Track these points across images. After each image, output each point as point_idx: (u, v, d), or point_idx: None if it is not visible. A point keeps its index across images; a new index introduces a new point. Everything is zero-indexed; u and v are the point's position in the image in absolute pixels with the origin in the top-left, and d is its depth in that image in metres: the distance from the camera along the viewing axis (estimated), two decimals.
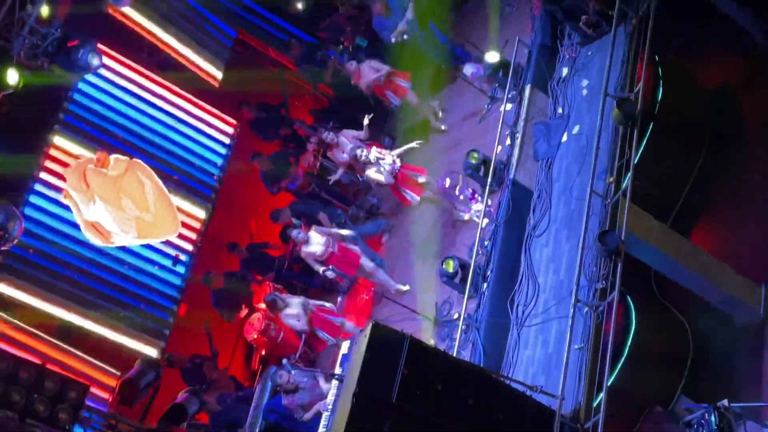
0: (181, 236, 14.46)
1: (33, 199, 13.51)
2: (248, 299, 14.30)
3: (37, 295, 13.14)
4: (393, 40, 14.51)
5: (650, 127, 11.21)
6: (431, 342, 11.39)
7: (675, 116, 11.61)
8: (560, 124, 11.75)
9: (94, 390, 11.82)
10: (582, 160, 10.99)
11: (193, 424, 12.68)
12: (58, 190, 13.44)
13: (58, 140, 13.84)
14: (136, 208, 13.82)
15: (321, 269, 12.82)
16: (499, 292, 11.07)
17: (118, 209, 13.63)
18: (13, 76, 11.66)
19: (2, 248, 12.21)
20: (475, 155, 12.39)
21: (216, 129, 15.44)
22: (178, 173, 14.82)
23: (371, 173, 13.26)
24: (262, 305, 13.69)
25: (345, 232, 13.40)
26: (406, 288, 12.94)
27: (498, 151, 12.24)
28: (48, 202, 13.52)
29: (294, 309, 12.64)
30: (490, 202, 11.98)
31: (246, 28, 16.58)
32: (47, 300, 13.18)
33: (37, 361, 11.00)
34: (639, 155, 10.64)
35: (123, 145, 14.34)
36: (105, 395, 12.65)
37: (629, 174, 10.25)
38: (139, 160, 14.12)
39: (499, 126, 12.35)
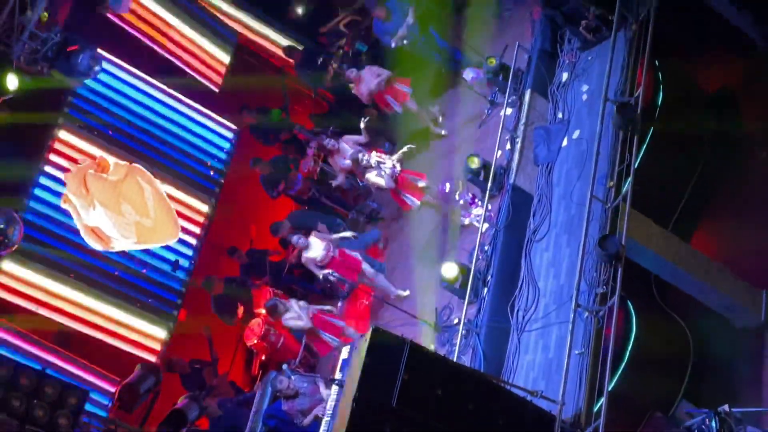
0: (184, 230, 14.47)
1: (38, 192, 13.44)
2: (248, 303, 14.30)
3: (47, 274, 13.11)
4: (393, 44, 14.52)
5: (650, 132, 11.21)
6: (431, 347, 11.38)
7: (675, 121, 11.60)
8: (560, 129, 11.75)
9: (93, 395, 11.84)
10: (582, 165, 10.98)
11: (193, 430, 12.67)
12: (63, 183, 13.45)
13: (63, 134, 13.79)
14: (135, 213, 13.83)
15: (322, 274, 12.84)
16: (500, 296, 11.06)
17: (117, 214, 13.64)
18: (12, 81, 11.68)
19: (2, 253, 12.23)
20: (475, 160, 12.39)
21: (218, 125, 15.45)
22: (182, 167, 14.83)
23: (372, 177, 13.27)
24: (262, 310, 13.70)
25: (346, 234, 13.42)
26: (406, 293, 12.95)
27: (498, 156, 12.25)
28: (53, 195, 13.47)
29: (295, 311, 12.64)
30: (490, 207, 11.98)
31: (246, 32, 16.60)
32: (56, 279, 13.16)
33: (37, 366, 11.03)
34: (639, 160, 10.63)
35: (125, 139, 14.32)
36: (104, 401, 12.65)
37: (629, 179, 10.24)
38: (139, 166, 14.14)
39: (499, 130, 12.36)
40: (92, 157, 13.80)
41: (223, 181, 15.14)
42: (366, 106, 14.62)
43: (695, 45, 12.19)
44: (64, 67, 12.27)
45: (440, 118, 14.62)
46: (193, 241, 14.57)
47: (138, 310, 13.71)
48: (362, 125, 13.54)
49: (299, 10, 16.95)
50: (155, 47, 14.96)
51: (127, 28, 14.56)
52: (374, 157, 13.26)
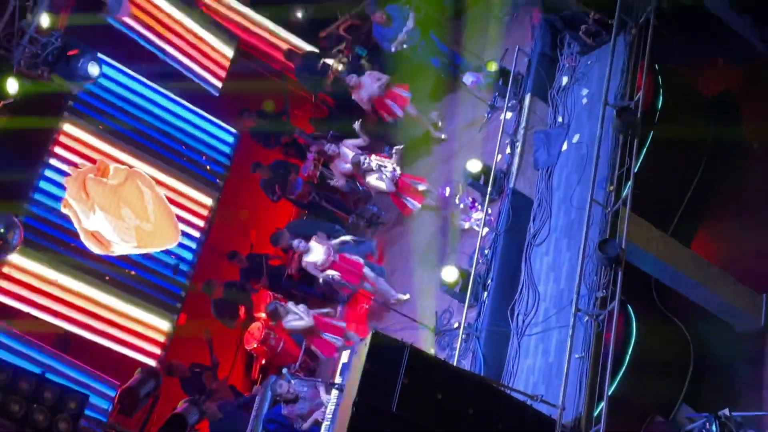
0: (189, 223, 14.51)
1: (43, 184, 13.47)
2: (248, 306, 14.30)
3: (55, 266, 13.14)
4: (393, 49, 14.53)
5: (650, 136, 11.21)
6: (431, 351, 11.37)
7: (675, 124, 11.60)
8: (560, 133, 11.75)
9: (93, 400, 11.83)
10: (582, 169, 10.98)
11: None
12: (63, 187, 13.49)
13: (68, 127, 13.80)
14: (135, 218, 13.84)
15: (322, 277, 12.84)
16: (500, 301, 11.07)
17: (117, 218, 13.65)
18: (13, 86, 11.69)
19: (2, 257, 12.24)
20: (476, 164, 12.39)
21: (218, 129, 15.48)
22: (186, 161, 14.86)
23: (372, 180, 13.27)
24: (262, 314, 13.69)
25: (345, 238, 13.43)
26: (406, 297, 12.94)
27: (498, 160, 12.26)
28: (58, 188, 13.49)
29: (296, 313, 12.64)
30: (490, 211, 11.99)
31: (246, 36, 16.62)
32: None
33: (36, 370, 11.01)
34: (639, 164, 10.63)
35: (129, 132, 14.34)
36: (104, 405, 12.64)
37: (629, 182, 10.24)
38: (139, 170, 14.14)
39: (499, 135, 12.37)
40: (96, 150, 13.83)
41: (226, 174, 15.19)
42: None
43: (695, 49, 12.19)
44: (65, 72, 12.27)
45: (440, 123, 14.62)
46: (197, 234, 14.61)
47: (142, 302, 13.74)
48: (356, 127, 13.58)
49: (299, 14, 16.97)
50: (156, 51, 14.98)
51: (127, 31, 14.57)
52: (375, 160, 13.26)
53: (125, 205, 13.82)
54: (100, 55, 12.89)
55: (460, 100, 14.64)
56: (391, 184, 13.14)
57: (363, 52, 15.95)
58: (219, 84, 15.63)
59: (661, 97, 11.85)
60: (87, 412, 10.72)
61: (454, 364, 10.29)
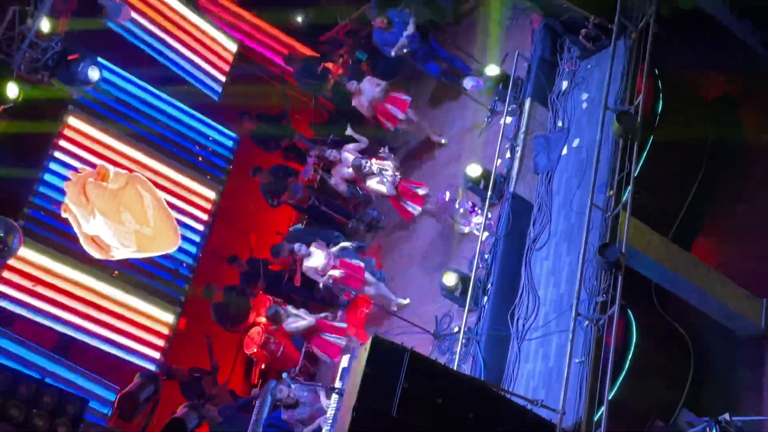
0: (192, 216, 14.50)
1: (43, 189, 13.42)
2: (249, 311, 14.29)
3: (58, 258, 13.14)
4: (393, 54, 14.54)
5: (650, 140, 11.21)
6: (431, 355, 11.36)
7: (675, 129, 11.61)
8: (560, 138, 11.75)
9: (93, 404, 11.82)
10: (582, 174, 10.97)
11: None
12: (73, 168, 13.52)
13: (73, 120, 13.80)
14: (135, 222, 13.83)
15: (322, 282, 12.84)
16: (500, 305, 11.05)
17: (117, 223, 13.65)
18: (13, 90, 11.70)
19: (2, 261, 12.22)
20: (476, 168, 12.40)
21: (218, 134, 15.47)
22: (189, 155, 14.87)
23: (373, 184, 13.25)
24: (262, 319, 13.68)
25: (345, 244, 13.42)
26: (406, 301, 12.95)
27: (498, 164, 12.26)
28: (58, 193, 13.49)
29: (297, 315, 12.64)
30: (490, 215, 11.97)
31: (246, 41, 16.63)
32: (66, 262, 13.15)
33: (36, 375, 11.01)
34: (639, 168, 10.63)
35: (133, 126, 14.34)
36: (104, 409, 12.62)
37: (629, 187, 10.22)
38: (139, 174, 14.14)
39: (499, 139, 12.36)
40: (100, 142, 13.84)
41: (230, 168, 15.21)
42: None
43: (695, 53, 12.20)
44: (65, 76, 12.28)
45: (443, 141, 14.63)
46: (201, 227, 14.60)
47: (146, 294, 13.72)
48: (349, 132, 13.62)
49: (299, 19, 16.99)
50: (156, 55, 14.99)
51: (127, 35, 14.57)
52: (375, 164, 13.27)
53: (125, 210, 13.81)
54: (100, 59, 12.91)
55: (460, 104, 14.66)
56: (392, 187, 13.14)
57: (363, 56, 15.97)
58: (219, 88, 15.62)
59: (661, 102, 11.86)
60: (86, 416, 10.72)
61: (455, 368, 10.28)
